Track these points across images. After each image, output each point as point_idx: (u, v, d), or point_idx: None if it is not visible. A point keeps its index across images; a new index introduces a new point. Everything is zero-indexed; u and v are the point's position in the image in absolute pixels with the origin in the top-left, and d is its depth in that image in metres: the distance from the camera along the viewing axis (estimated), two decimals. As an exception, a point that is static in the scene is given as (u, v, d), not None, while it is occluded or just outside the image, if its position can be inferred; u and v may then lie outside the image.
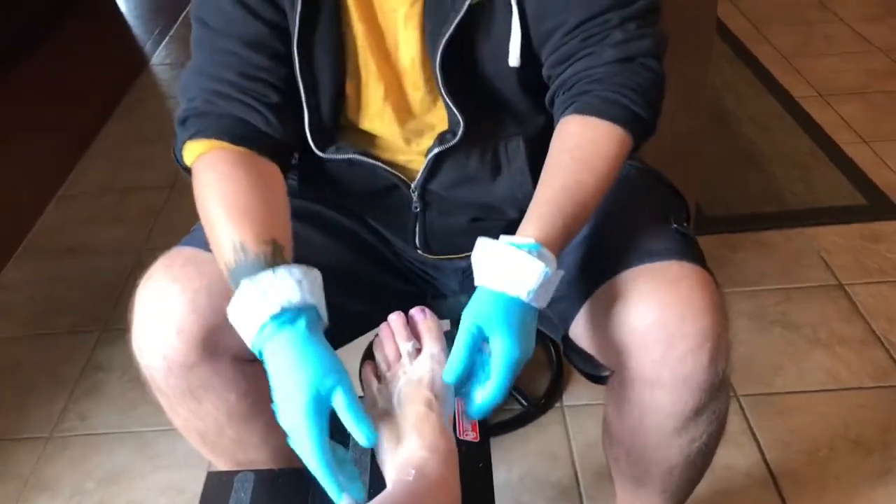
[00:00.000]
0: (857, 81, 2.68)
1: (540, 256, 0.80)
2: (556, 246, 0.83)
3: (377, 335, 0.90)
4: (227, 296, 0.91)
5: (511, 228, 0.86)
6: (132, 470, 1.58)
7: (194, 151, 0.92)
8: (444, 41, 0.89)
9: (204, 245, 0.96)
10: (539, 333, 1.06)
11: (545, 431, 1.57)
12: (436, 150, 0.98)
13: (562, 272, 0.82)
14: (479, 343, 0.80)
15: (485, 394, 0.80)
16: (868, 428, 1.52)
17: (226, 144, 0.91)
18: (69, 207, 2.40)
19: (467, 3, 0.88)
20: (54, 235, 2.27)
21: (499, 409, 1.60)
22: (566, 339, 1.01)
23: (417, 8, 0.92)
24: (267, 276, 0.79)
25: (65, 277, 2.10)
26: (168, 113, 2.96)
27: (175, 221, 2.26)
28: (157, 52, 3.37)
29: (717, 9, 1.68)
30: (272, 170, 0.94)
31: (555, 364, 1.67)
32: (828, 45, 2.94)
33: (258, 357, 0.81)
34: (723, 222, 2.08)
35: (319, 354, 0.78)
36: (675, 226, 0.96)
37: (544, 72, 0.95)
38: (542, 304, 0.81)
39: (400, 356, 0.86)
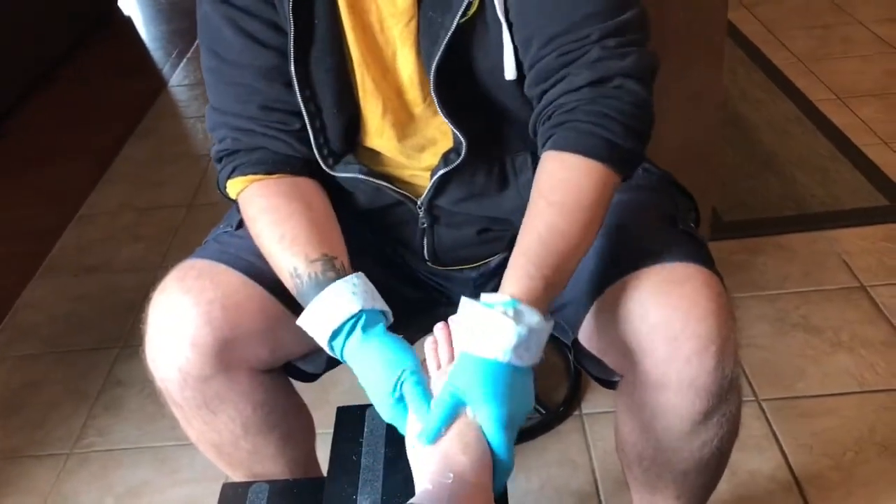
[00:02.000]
0: (876, 83, 2.65)
1: (516, 314, 0.77)
2: (538, 300, 0.80)
3: (432, 335, 0.88)
4: (241, 307, 0.93)
5: None
6: (151, 485, 1.59)
7: (235, 188, 0.98)
8: (436, 61, 0.88)
9: (217, 257, 0.97)
10: (554, 340, 1.05)
11: (564, 439, 1.56)
12: (441, 172, 0.97)
13: (551, 323, 0.80)
14: (458, 409, 0.78)
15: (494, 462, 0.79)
16: (895, 431, 1.49)
17: (261, 176, 0.96)
18: (89, 227, 2.43)
19: (456, 21, 0.86)
20: (75, 254, 2.30)
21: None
22: (576, 343, 1.00)
23: (412, 27, 0.91)
24: (323, 295, 0.85)
25: (85, 296, 2.12)
26: (186, 133, 3.00)
27: (192, 239, 2.25)
28: (175, 74, 3.41)
29: (727, 12, 1.67)
30: (309, 185, 0.98)
31: (572, 371, 1.66)
32: (845, 48, 2.92)
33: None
34: (742, 227, 2.07)
35: (383, 355, 0.83)
36: (681, 227, 0.95)
37: (526, 91, 0.91)
38: (526, 361, 0.78)
39: (452, 359, 0.84)
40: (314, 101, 0.94)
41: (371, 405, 1.04)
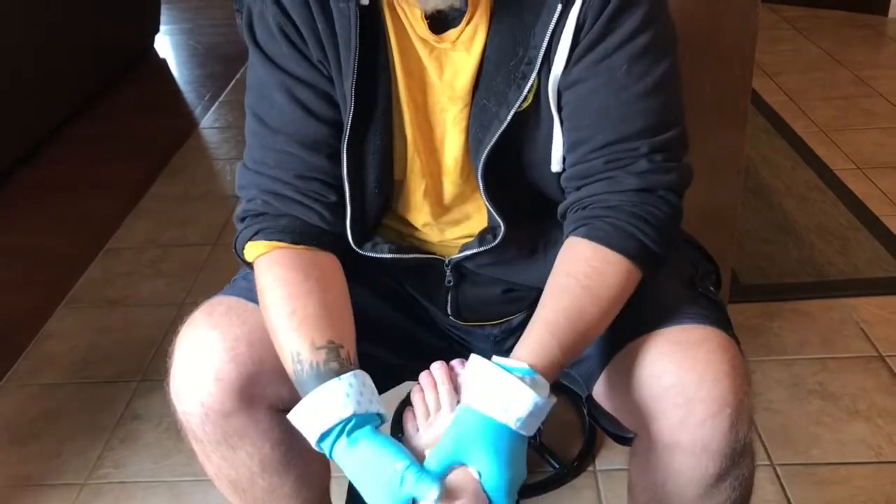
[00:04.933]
0: (897, 155, 2.68)
1: (533, 384, 0.79)
2: (550, 373, 0.82)
3: (417, 383, 0.90)
4: (265, 343, 0.93)
5: None
6: (164, 520, 1.59)
7: (255, 251, 0.95)
8: (487, 150, 0.89)
9: (246, 294, 0.98)
10: (571, 393, 1.07)
11: (577, 496, 1.55)
12: (474, 250, 0.98)
13: (555, 400, 0.82)
14: (454, 465, 0.80)
15: None
16: (910, 504, 1.48)
17: (285, 245, 0.94)
18: (115, 261, 2.46)
19: (513, 112, 0.88)
20: (99, 287, 2.33)
21: (530, 470, 1.58)
22: (590, 399, 1.01)
23: (465, 112, 0.93)
24: (316, 394, 0.83)
25: (107, 328, 2.14)
26: (214, 174, 3.05)
27: (216, 277, 2.29)
28: (207, 116, 3.48)
29: (751, 81, 1.71)
30: (330, 262, 0.96)
31: (587, 427, 1.66)
32: (866, 119, 2.95)
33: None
34: (760, 291, 2.07)
35: (378, 453, 0.81)
36: (700, 290, 0.96)
37: (561, 181, 0.94)
38: (529, 432, 0.81)
39: (440, 406, 0.86)
40: (359, 179, 0.95)
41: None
